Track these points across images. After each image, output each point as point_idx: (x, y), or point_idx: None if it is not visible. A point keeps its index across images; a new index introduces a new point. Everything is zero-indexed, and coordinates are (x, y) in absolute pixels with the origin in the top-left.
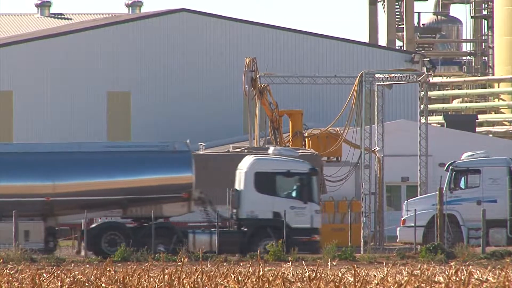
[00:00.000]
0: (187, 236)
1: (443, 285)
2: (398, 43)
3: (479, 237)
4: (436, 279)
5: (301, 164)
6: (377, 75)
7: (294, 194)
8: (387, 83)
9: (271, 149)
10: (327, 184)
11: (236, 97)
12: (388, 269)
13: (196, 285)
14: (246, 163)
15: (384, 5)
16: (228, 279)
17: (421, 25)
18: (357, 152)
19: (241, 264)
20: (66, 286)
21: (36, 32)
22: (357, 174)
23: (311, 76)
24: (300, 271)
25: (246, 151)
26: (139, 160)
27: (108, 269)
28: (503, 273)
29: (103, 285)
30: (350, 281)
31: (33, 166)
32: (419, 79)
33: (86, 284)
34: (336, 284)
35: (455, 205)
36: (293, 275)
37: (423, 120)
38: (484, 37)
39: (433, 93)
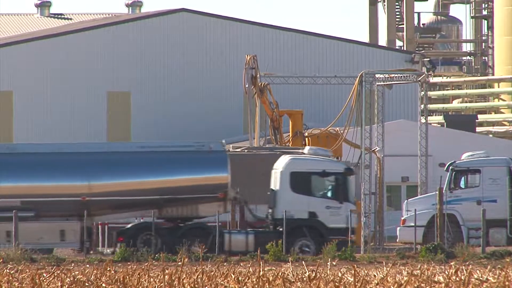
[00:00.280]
0: (223, 236)
1: (443, 285)
2: (398, 43)
3: (479, 237)
4: (436, 279)
5: (337, 164)
6: (377, 75)
7: (329, 194)
8: (387, 83)
9: (307, 149)
10: None
11: (236, 97)
12: (388, 269)
13: (196, 285)
14: (281, 163)
15: (384, 5)
16: (228, 279)
17: (421, 25)
18: (357, 152)
19: (241, 264)
20: (66, 286)
21: (36, 32)
22: (357, 174)
23: (311, 76)
24: (300, 271)
25: (279, 151)
26: (175, 160)
27: (108, 269)
28: (503, 273)
29: (103, 285)
30: (350, 281)
31: (69, 166)
32: (419, 79)
33: (86, 284)
34: (336, 284)
35: (455, 205)
36: (293, 275)
37: (423, 120)
38: (484, 37)
39: (433, 93)
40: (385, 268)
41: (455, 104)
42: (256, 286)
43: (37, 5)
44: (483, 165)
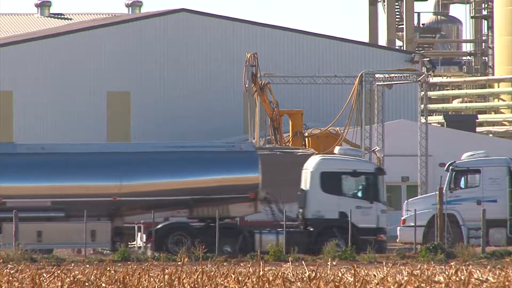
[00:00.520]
0: (254, 236)
1: (443, 285)
2: (398, 43)
3: (479, 237)
4: (436, 279)
5: (367, 164)
6: (377, 75)
7: (360, 194)
8: (387, 83)
9: (337, 149)
10: None
11: (236, 97)
12: (388, 269)
13: (196, 285)
14: (312, 163)
15: (384, 5)
16: (228, 279)
17: (421, 25)
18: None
19: (241, 264)
20: (66, 286)
21: (36, 32)
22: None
23: (311, 76)
24: (300, 271)
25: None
26: (206, 160)
27: (108, 269)
28: (503, 273)
29: (103, 285)
30: (350, 281)
31: (101, 166)
32: (419, 79)
33: (86, 284)
34: (336, 284)
35: (455, 205)
36: (293, 275)
37: (423, 120)
38: (484, 37)
39: (433, 93)
40: (385, 268)
41: (455, 104)
42: (256, 286)
43: (37, 5)
44: (483, 165)
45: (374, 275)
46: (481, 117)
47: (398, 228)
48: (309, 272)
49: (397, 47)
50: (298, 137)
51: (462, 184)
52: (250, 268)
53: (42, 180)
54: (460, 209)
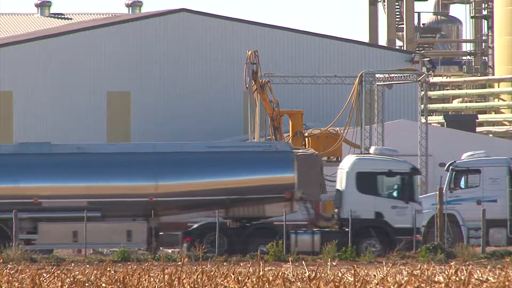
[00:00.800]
0: (289, 236)
1: (443, 285)
2: (398, 43)
3: (479, 237)
4: (436, 279)
5: (403, 164)
6: (377, 75)
7: (395, 194)
8: (387, 83)
9: (372, 149)
10: (327, 184)
11: (236, 97)
12: (388, 269)
13: (196, 285)
14: (347, 162)
15: (384, 5)
16: (228, 279)
17: (421, 25)
18: (357, 152)
19: (241, 264)
20: (66, 286)
21: (36, 32)
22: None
23: (311, 76)
24: (300, 271)
25: None
26: (241, 160)
27: (108, 269)
28: (503, 273)
29: (103, 285)
30: (350, 281)
31: (137, 166)
32: (419, 79)
33: (86, 284)
34: (336, 284)
35: (455, 205)
36: (293, 275)
37: (423, 120)
38: (484, 37)
39: (433, 93)
40: (385, 268)
41: (455, 104)
42: (256, 286)
43: (37, 5)
44: (483, 165)
45: (374, 275)
46: (481, 117)
47: None
48: (309, 272)
49: (397, 47)
50: (298, 137)
51: (462, 184)
52: (250, 268)
53: (78, 180)
54: (460, 209)
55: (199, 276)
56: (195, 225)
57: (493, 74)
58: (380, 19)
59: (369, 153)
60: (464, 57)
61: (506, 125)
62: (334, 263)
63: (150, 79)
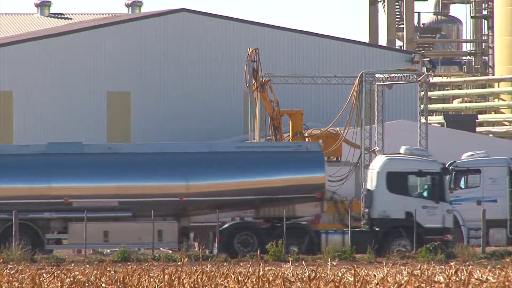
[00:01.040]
0: (320, 236)
1: (443, 285)
2: (398, 43)
3: (479, 237)
4: (436, 279)
5: (433, 164)
6: (377, 75)
7: (425, 193)
8: (387, 83)
9: (403, 149)
10: (328, 184)
11: (236, 97)
12: (388, 269)
13: (196, 285)
14: (378, 163)
15: (384, 5)
16: (228, 279)
17: (421, 25)
18: (357, 152)
19: (241, 264)
20: (66, 286)
21: (36, 32)
22: (357, 174)
23: (311, 76)
24: (300, 271)
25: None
26: (272, 160)
27: (108, 269)
28: (503, 273)
29: (103, 285)
30: (350, 281)
31: (168, 166)
32: (419, 79)
33: (86, 284)
34: (336, 284)
35: (455, 205)
36: (293, 275)
37: (423, 120)
38: (484, 37)
39: (433, 93)
40: (385, 268)
41: (455, 104)
42: (256, 286)
43: (37, 5)
44: (483, 165)
45: (374, 275)
46: (481, 117)
47: None
48: (309, 272)
49: (397, 47)
50: (298, 137)
51: (462, 184)
52: (250, 268)
53: (109, 180)
54: (460, 209)
55: (199, 276)
56: (226, 225)
57: (493, 74)
58: (380, 19)
59: (399, 153)
60: (464, 57)
61: (506, 125)
62: (334, 263)
63: (150, 79)
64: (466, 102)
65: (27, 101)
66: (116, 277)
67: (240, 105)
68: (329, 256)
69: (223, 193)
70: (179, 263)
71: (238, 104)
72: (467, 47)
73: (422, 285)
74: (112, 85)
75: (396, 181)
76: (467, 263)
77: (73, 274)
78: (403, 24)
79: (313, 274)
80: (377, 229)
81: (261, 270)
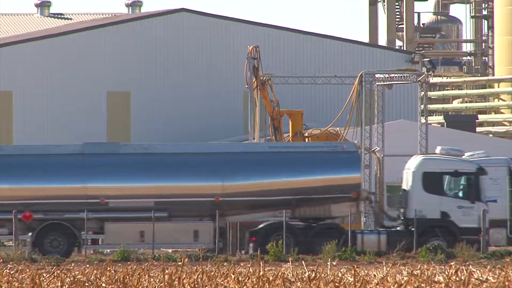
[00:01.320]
0: (356, 236)
1: (443, 285)
2: (398, 43)
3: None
4: (436, 279)
5: (469, 164)
6: (377, 75)
7: (461, 193)
8: (387, 83)
9: (438, 149)
10: None
11: (236, 97)
12: (388, 269)
13: (196, 285)
14: (413, 163)
15: (384, 5)
16: (228, 279)
17: (421, 25)
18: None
19: (241, 264)
20: (66, 286)
21: (36, 32)
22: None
23: (311, 76)
24: (300, 271)
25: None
26: (308, 160)
27: (108, 269)
28: (503, 273)
29: (103, 285)
30: (350, 281)
31: (204, 166)
32: (419, 79)
33: (86, 284)
34: (336, 284)
35: None
36: (293, 275)
37: (423, 120)
38: (484, 37)
39: (433, 93)
40: (385, 268)
41: (455, 104)
42: (256, 286)
43: (37, 5)
44: (483, 165)
45: (374, 275)
46: (481, 117)
47: (399, 228)
48: (309, 272)
49: (397, 47)
50: (298, 137)
51: None
52: (250, 268)
53: (145, 180)
54: None
55: (199, 276)
56: (261, 225)
57: (493, 74)
58: (380, 19)
59: (435, 153)
60: (464, 57)
61: (506, 125)
62: (334, 263)
63: (150, 79)
64: (466, 102)
65: (27, 101)
66: (116, 277)
67: (240, 105)
68: (329, 256)
69: (259, 193)
70: (179, 263)
71: (238, 104)
72: (467, 47)
73: (422, 285)
74: (112, 85)
75: (432, 181)
76: (467, 263)
77: (73, 274)
78: (403, 24)
79: (313, 274)
80: (412, 229)
81: (261, 270)
